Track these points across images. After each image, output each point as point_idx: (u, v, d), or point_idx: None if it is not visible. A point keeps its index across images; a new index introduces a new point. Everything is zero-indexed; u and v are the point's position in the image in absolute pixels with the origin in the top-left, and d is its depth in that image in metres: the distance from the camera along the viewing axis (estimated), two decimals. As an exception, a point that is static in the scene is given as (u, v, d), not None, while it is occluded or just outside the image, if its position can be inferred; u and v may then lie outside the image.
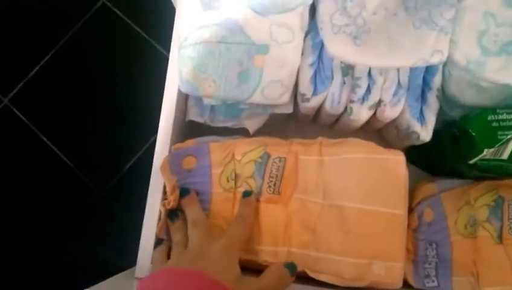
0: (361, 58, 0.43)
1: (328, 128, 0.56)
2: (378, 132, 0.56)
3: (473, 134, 0.43)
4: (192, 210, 0.44)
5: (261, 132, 0.52)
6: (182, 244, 0.42)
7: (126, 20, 0.77)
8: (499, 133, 0.43)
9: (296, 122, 0.57)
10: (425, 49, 0.43)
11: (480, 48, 0.42)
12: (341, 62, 0.45)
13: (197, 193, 0.46)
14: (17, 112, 0.78)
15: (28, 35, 0.78)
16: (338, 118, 0.52)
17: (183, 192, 0.45)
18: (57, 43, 0.78)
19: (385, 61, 0.43)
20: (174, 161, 0.45)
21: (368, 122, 0.52)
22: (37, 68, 0.78)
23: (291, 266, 0.41)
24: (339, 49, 0.43)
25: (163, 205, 0.45)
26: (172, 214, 0.45)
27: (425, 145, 0.53)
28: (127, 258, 0.47)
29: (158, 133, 0.46)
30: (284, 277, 0.40)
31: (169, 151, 0.47)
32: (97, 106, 0.77)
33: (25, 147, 0.77)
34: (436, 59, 0.43)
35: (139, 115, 0.73)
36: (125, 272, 0.45)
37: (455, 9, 0.43)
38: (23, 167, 0.76)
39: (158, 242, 0.46)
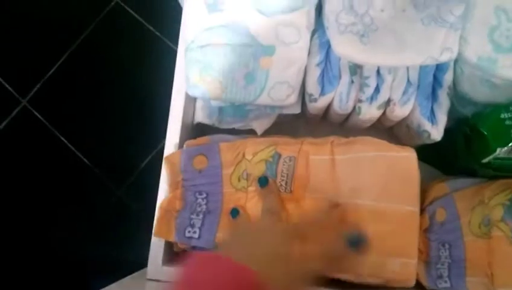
0: (368, 57, 0.43)
1: (338, 127, 0.56)
2: (389, 129, 0.56)
3: (485, 133, 0.42)
4: (270, 200, 0.43)
5: (270, 131, 0.52)
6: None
7: (139, 19, 0.78)
8: (512, 131, 0.42)
9: (306, 121, 0.56)
10: (434, 46, 0.42)
11: (491, 43, 0.41)
12: (349, 61, 0.44)
13: (208, 194, 0.46)
14: (35, 112, 0.79)
15: (43, 36, 0.80)
16: (347, 117, 0.52)
17: (262, 182, 0.44)
18: (73, 43, 0.80)
19: (393, 60, 0.42)
20: (185, 159, 0.46)
21: (378, 120, 0.51)
22: (53, 69, 0.79)
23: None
24: (345, 48, 0.43)
25: (163, 203, 0.45)
26: (234, 211, 0.44)
27: (437, 144, 0.52)
28: (141, 257, 0.48)
29: (166, 137, 0.47)
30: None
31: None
32: (113, 105, 0.78)
33: (43, 147, 0.78)
34: (445, 57, 0.42)
35: (155, 114, 0.74)
36: (137, 273, 0.46)
37: (465, 4, 0.41)
38: (42, 167, 0.78)
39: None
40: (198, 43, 0.44)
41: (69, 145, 0.78)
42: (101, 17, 0.79)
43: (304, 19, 0.44)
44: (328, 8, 0.44)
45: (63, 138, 0.78)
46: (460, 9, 0.41)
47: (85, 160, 0.77)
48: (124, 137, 0.77)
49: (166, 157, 0.46)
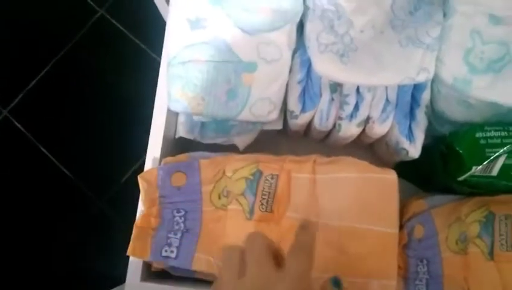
0: (347, 76, 0.43)
1: (320, 143, 0.57)
2: (369, 147, 0.56)
3: (461, 151, 0.43)
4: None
5: (252, 147, 0.52)
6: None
7: (124, 31, 0.78)
8: (487, 150, 0.43)
9: (288, 137, 0.57)
10: (411, 67, 0.43)
11: (467, 65, 0.43)
12: (330, 80, 0.45)
13: (186, 212, 0.46)
14: (16, 123, 0.78)
15: (27, 46, 0.79)
16: (328, 134, 0.52)
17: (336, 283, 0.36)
18: (57, 54, 0.79)
19: (371, 79, 0.43)
20: (162, 176, 0.45)
21: (358, 137, 0.52)
22: (35, 80, 0.79)
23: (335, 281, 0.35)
24: (325, 67, 0.44)
25: (138, 221, 0.45)
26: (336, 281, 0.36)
27: (416, 161, 0.52)
28: (122, 271, 0.47)
29: (147, 151, 0.47)
30: None
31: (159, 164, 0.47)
32: (96, 117, 0.78)
33: (24, 157, 0.77)
34: (422, 77, 0.43)
35: (138, 126, 0.74)
36: (115, 289, 0.45)
37: (441, 27, 0.43)
38: (22, 177, 0.77)
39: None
40: (180, 59, 0.45)
41: (50, 156, 0.77)
42: (85, 28, 0.79)
43: (285, 37, 0.45)
44: (309, 28, 0.45)
45: (44, 149, 0.77)
46: (437, 31, 0.43)
47: (66, 171, 0.76)
48: (107, 149, 0.76)
49: (141, 175, 0.45)
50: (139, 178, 0.45)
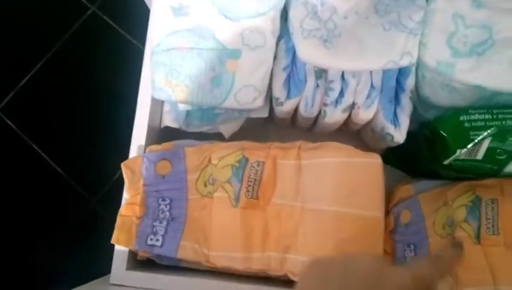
0: (330, 61, 0.43)
1: (307, 131, 0.57)
2: (356, 134, 0.56)
3: (445, 135, 0.43)
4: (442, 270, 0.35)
5: (240, 136, 0.52)
6: None
7: (116, 27, 0.77)
8: (471, 133, 0.43)
9: (275, 126, 0.57)
10: (394, 51, 0.43)
11: (450, 49, 0.43)
12: (314, 66, 0.45)
13: (171, 200, 0.46)
14: (8, 121, 0.78)
15: (18, 44, 0.79)
16: (315, 122, 0.52)
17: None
18: (48, 51, 0.79)
19: (355, 64, 0.43)
20: (146, 164, 0.45)
21: (345, 124, 0.52)
22: (27, 77, 0.78)
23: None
24: (309, 52, 0.43)
25: (122, 209, 0.44)
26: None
27: (402, 147, 0.53)
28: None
29: (132, 140, 0.46)
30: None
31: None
32: (88, 114, 0.77)
33: (16, 155, 0.77)
34: (405, 61, 0.43)
35: (131, 121, 0.74)
36: (100, 278, 0.45)
37: (424, 11, 0.43)
38: (14, 175, 0.76)
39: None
40: (163, 46, 0.45)
41: (42, 154, 0.77)
42: (76, 25, 0.78)
43: (269, 24, 0.45)
44: (292, 14, 0.44)
45: (36, 147, 0.77)
46: (420, 15, 0.43)
47: (58, 169, 0.76)
48: (100, 146, 0.76)
49: (125, 163, 0.45)
50: (123, 166, 0.45)
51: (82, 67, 0.78)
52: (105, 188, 0.74)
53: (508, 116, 0.43)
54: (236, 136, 0.52)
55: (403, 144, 0.51)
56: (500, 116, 0.44)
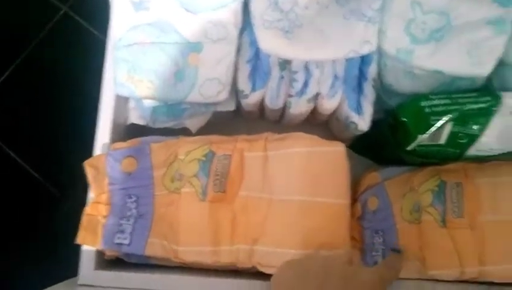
0: (292, 51, 0.43)
1: (276, 124, 0.57)
2: (325, 125, 0.57)
3: (405, 120, 0.44)
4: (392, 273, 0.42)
5: (209, 131, 0.52)
6: None
7: (88, 27, 0.76)
8: (432, 118, 0.44)
9: (245, 120, 0.57)
10: (354, 40, 0.43)
11: (408, 36, 0.43)
12: (278, 57, 0.45)
13: (138, 197, 0.45)
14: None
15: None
16: (283, 113, 0.53)
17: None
18: (19, 55, 0.77)
19: (316, 54, 0.44)
20: (111, 162, 0.45)
21: (312, 115, 0.52)
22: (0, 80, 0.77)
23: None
24: (270, 43, 0.44)
25: (87, 209, 0.44)
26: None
27: (368, 135, 0.53)
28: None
29: (96, 138, 0.46)
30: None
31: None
32: (62, 114, 0.76)
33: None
34: (365, 49, 0.43)
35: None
36: (69, 280, 0.44)
37: (382, -1, 0.43)
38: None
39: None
40: (125, 42, 0.44)
41: (11, 153, 0.75)
42: (49, 26, 0.77)
43: (231, 16, 0.45)
44: (253, 5, 0.44)
45: (6, 148, 0.75)
46: (378, 3, 0.43)
47: (29, 168, 0.74)
48: (72, 146, 0.74)
49: (88, 161, 0.44)
50: (86, 165, 0.44)
51: (55, 66, 0.76)
52: (80, 186, 0.73)
53: (468, 100, 0.44)
54: (205, 131, 0.52)
55: (368, 132, 0.51)
56: (460, 100, 0.44)
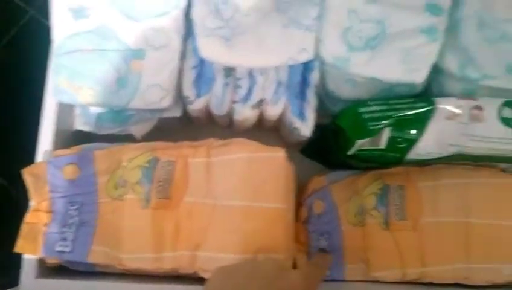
0: (232, 58, 0.44)
1: (227, 130, 0.57)
2: (276, 130, 0.58)
3: (343, 127, 0.45)
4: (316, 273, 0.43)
5: (157, 137, 0.51)
6: None
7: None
8: (370, 124, 0.45)
9: (195, 126, 0.57)
10: (292, 48, 0.44)
11: (345, 44, 0.44)
12: (216, 63, 0.46)
13: (81, 205, 0.45)
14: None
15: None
16: (232, 119, 0.53)
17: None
18: None
19: (255, 61, 0.44)
20: (52, 170, 0.44)
21: (260, 121, 0.53)
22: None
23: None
24: (210, 50, 0.44)
25: (27, 217, 0.44)
26: None
27: (316, 140, 0.54)
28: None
29: (38, 145, 0.45)
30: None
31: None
32: (27, 120, 0.74)
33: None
34: (303, 57, 0.44)
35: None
36: None
37: (319, 7, 0.44)
38: None
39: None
40: (65, 49, 0.44)
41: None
42: (14, 30, 0.75)
43: (173, 23, 0.45)
44: (195, 13, 0.45)
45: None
46: (315, 12, 0.44)
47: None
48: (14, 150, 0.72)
49: (27, 169, 0.44)
50: (24, 173, 0.44)
51: (21, 70, 0.74)
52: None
53: (403, 106, 0.45)
54: (154, 138, 0.52)
55: (315, 137, 0.52)
56: (397, 106, 0.46)
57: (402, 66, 0.44)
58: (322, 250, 0.49)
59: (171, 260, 0.44)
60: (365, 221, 0.50)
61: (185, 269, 0.44)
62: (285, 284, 0.36)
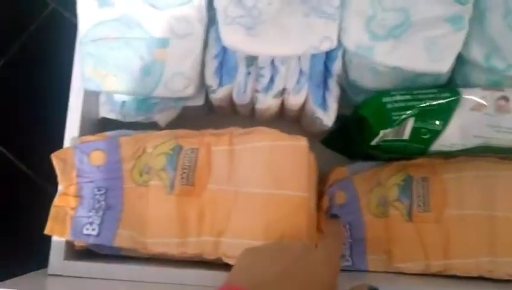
0: (254, 47, 0.44)
1: (249, 120, 0.57)
2: (297, 121, 0.58)
3: (367, 117, 0.45)
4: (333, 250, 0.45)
5: (183, 126, 0.52)
6: None
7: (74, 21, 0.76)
8: (394, 114, 0.45)
9: (217, 115, 0.57)
10: (314, 36, 0.44)
11: (368, 33, 0.44)
12: (239, 52, 0.46)
13: (107, 190, 0.46)
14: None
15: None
16: (254, 109, 0.53)
17: None
18: (8, 51, 0.77)
19: (277, 50, 0.44)
20: (79, 155, 0.46)
21: (282, 111, 0.53)
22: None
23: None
24: (232, 39, 0.44)
25: (56, 200, 0.45)
26: None
27: (338, 131, 0.54)
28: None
29: (66, 131, 0.47)
30: None
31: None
32: (54, 112, 0.76)
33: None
34: (325, 46, 0.44)
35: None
36: (39, 270, 0.46)
37: (342, -4, 0.44)
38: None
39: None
40: (90, 37, 0.45)
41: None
42: (36, 23, 0.77)
43: (195, 12, 0.46)
44: (217, 1, 0.45)
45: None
46: (337, 1, 0.44)
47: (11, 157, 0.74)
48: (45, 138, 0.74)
49: (55, 154, 0.45)
50: (53, 157, 0.45)
51: (44, 63, 0.76)
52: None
53: (428, 96, 0.45)
54: (178, 126, 0.53)
55: (338, 128, 0.52)
56: (420, 96, 0.45)
57: (426, 55, 0.43)
58: (334, 216, 0.50)
59: (195, 245, 0.44)
60: (388, 212, 0.50)
61: (209, 254, 0.44)
62: (312, 260, 0.37)
